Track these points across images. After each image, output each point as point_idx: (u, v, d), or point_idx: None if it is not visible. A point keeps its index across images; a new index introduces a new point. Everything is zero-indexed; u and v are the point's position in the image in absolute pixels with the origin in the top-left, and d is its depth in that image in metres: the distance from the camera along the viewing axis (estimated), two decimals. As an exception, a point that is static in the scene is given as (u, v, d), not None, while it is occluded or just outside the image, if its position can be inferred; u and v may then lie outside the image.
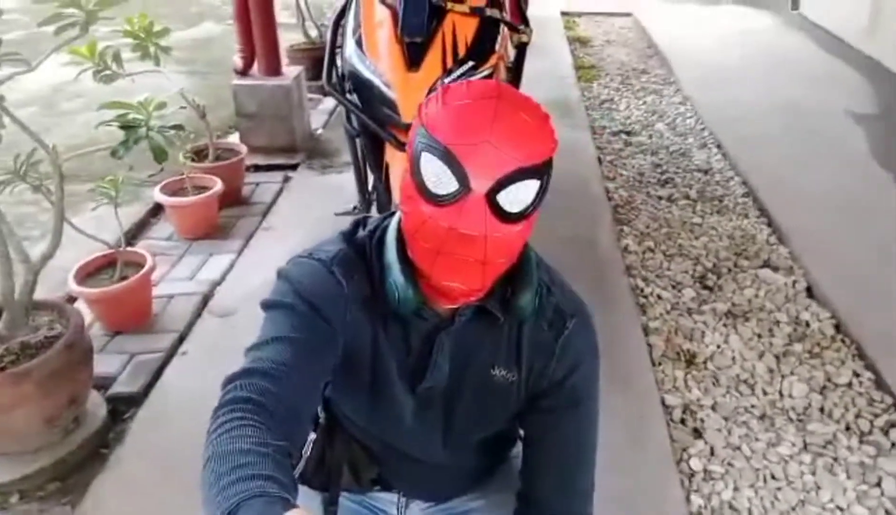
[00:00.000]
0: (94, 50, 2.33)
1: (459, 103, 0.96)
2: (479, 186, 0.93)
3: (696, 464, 2.37)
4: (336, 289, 1.08)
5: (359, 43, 2.35)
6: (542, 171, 0.95)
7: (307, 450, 1.30)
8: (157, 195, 3.50)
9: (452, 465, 1.30)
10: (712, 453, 2.42)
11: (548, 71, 6.06)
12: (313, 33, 5.57)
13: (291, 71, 4.51)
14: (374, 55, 2.29)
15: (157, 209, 3.76)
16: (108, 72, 2.34)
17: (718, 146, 4.83)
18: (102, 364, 2.57)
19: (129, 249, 2.95)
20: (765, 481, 2.32)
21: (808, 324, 3.08)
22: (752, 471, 2.35)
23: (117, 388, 2.56)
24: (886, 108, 5.24)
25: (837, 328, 3.06)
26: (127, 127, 2.42)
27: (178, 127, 2.61)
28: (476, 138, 0.92)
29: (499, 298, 1.11)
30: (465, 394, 1.18)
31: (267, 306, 1.06)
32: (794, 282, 3.35)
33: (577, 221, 3.72)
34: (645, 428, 2.46)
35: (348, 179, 3.10)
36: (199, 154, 3.86)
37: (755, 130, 4.92)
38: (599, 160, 4.59)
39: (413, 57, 2.20)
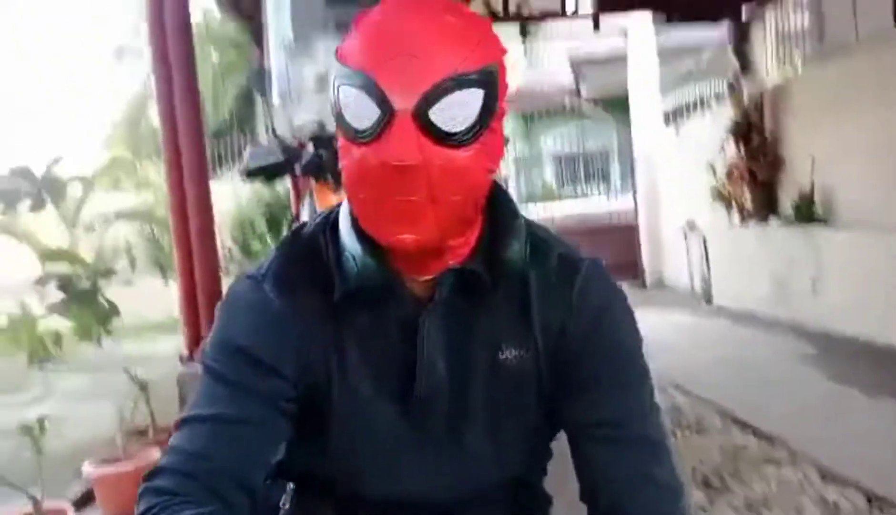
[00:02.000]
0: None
1: (371, 24, 0.83)
2: (403, 104, 0.79)
3: None
4: (272, 316, 0.91)
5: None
6: (480, 79, 0.81)
7: None
8: (86, 468, 3.07)
9: (475, 506, 0.99)
10: None
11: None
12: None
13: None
14: None
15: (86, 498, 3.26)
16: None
17: (677, 386, 4.78)
18: None
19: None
20: None
21: (837, 505, 2.78)
22: None
23: None
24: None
25: (869, 499, 2.78)
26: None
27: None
28: (392, 54, 0.79)
29: (484, 257, 0.91)
30: (473, 397, 0.93)
31: (203, 366, 0.92)
32: (805, 473, 3.11)
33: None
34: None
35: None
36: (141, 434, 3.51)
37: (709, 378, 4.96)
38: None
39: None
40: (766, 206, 6.76)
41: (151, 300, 5.59)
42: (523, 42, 18.70)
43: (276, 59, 2.74)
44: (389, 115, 0.79)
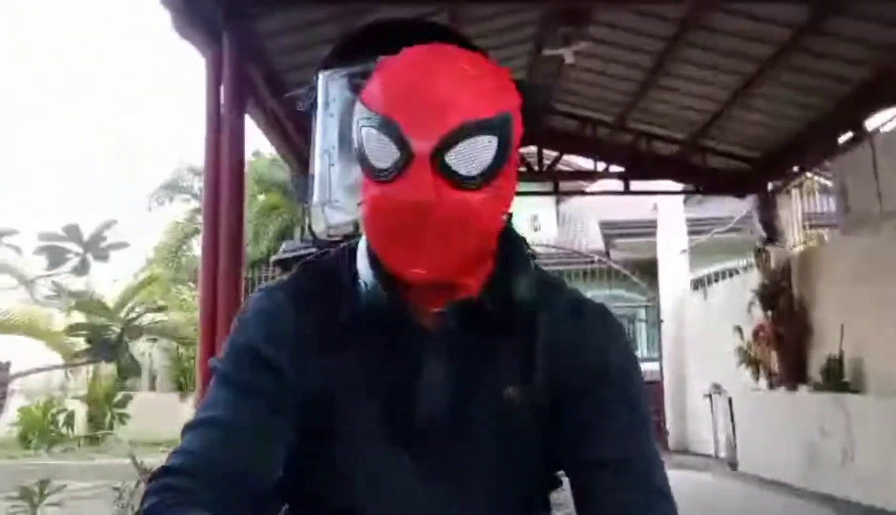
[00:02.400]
0: (48, 410, 2.30)
1: (394, 70, 0.88)
2: (422, 147, 0.82)
3: None
4: (281, 321, 0.94)
5: None
6: (495, 125, 0.85)
7: None
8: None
9: None
10: None
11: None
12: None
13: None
14: None
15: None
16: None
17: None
18: None
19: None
20: None
21: None
22: None
23: None
24: None
25: None
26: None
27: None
28: (413, 98, 0.84)
29: (493, 293, 0.93)
30: (474, 430, 0.94)
31: (212, 369, 0.96)
32: None
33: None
34: None
35: None
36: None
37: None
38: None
39: None
40: (794, 371, 6.66)
41: (167, 415, 5.59)
42: (556, 205, 19.33)
43: (319, 164, 2.90)
44: (408, 156, 0.82)
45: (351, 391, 0.93)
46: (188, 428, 0.92)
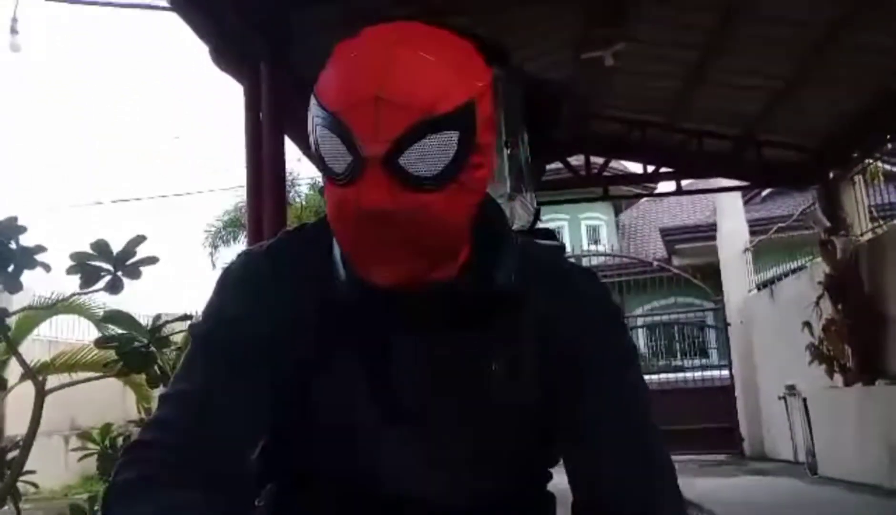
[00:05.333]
0: (107, 433, 2.35)
1: (346, 60, 0.79)
2: (372, 151, 0.76)
3: None
4: (261, 288, 0.92)
5: None
6: (454, 119, 0.77)
7: None
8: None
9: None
10: None
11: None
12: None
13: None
14: None
15: None
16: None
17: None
18: None
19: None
20: None
21: None
22: None
23: None
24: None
25: None
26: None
27: None
28: (363, 95, 0.76)
29: (472, 275, 0.89)
30: (456, 409, 0.91)
31: (191, 336, 0.94)
32: None
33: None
34: None
35: None
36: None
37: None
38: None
39: None
40: (870, 364, 6.36)
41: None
42: (615, 216, 19.07)
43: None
44: (361, 161, 0.76)
45: (330, 365, 0.91)
46: (164, 399, 0.89)
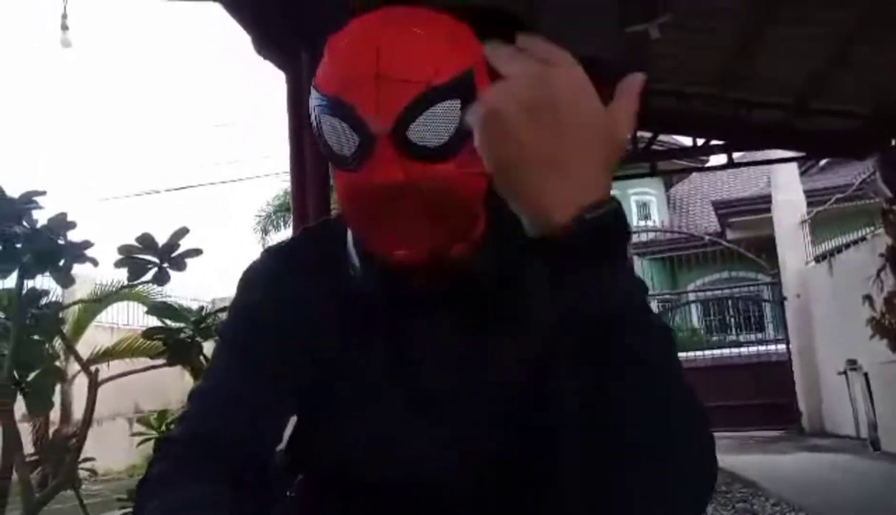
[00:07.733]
0: (164, 419, 2.40)
1: (341, 47, 0.83)
2: (380, 127, 0.78)
3: None
4: (282, 285, 0.94)
5: None
6: (454, 88, 0.79)
7: None
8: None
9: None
10: None
11: None
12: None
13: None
14: None
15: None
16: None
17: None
18: None
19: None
20: None
21: None
22: None
23: None
24: None
25: None
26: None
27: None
28: (362, 73, 0.78)
29: (487, 252, 0.89)
30: (474, 388, 0.90)
31: (217, 335, 0.97)
32: None
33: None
34: None
35: None
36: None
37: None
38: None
39: None
40: (934, 337, 6.14)
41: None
42: (666, 190, 18.71)
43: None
44: (369, 139, 0.78)
45: (351, 355, 0.91)
46: (192, 395, 0.92)
